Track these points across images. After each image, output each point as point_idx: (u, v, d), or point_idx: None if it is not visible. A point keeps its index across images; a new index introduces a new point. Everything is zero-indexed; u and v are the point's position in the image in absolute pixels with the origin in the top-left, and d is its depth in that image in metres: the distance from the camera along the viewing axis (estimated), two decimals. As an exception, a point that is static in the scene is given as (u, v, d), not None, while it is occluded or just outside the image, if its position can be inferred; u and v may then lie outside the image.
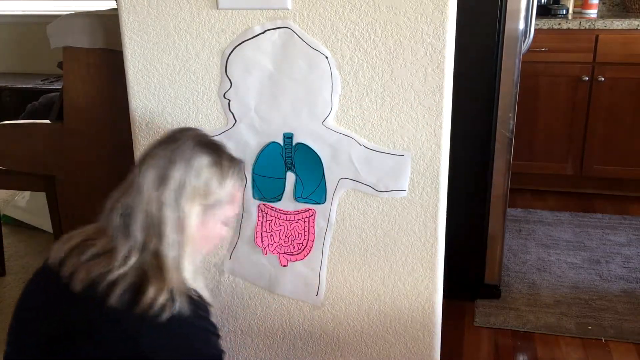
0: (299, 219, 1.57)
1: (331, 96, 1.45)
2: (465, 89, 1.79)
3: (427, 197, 1.49)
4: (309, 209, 1.56)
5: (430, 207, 1.49)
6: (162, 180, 1.17)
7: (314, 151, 1.50)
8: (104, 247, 1.18)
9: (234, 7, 1.45)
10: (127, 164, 1.34)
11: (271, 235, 1.61)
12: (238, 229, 1.63)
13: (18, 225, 3.03)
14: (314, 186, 1.54)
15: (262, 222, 1.60)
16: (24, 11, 3.90)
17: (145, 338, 1.12)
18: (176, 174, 1.17)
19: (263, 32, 1.44)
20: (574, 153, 3.18)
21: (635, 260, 2.62)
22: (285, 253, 1.61)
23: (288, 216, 1.58)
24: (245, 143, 1.54)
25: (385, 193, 1.50)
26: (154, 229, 1.16)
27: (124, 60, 1.57)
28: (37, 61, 3.71)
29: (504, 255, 2.38)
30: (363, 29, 1.39)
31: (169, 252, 1.16)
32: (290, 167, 1.53)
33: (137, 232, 1.16)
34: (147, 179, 1.17)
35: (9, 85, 3.50)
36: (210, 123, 1.56)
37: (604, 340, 2.12)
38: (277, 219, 1.59)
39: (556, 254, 2.68)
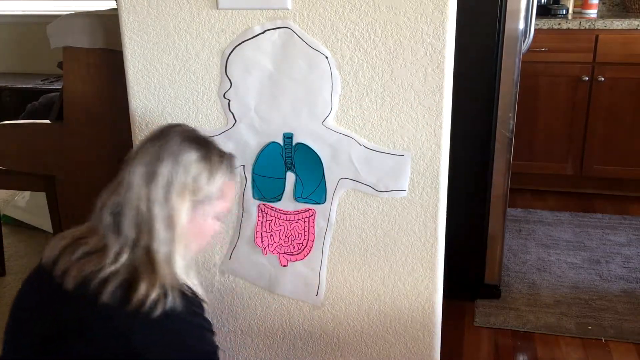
0: (299, 219, 1.57)
1: (331, 96, 1.45)
2: (465, 89, 1.79)
3: (427, 197, 1.49)
4: (309, 209, 1.56)
5: (430, 207, 1.49)
6: (151, 177, 1.17)
7: (314, 151, 1.50)
8: (95, 245, 1.18)
9: (234, 7, 1.45)
10: (127, 164, 1.34)
11: (271, 235, 1.61)
12: (238, 229, 1.63)
13: (18, 225, 3.03)
14: (314, 186, 1.54)
15: (262, 222, 1.60)
16: (24, 11, 3.90)
17: (138, 334, 1.12)
18: (164, 171, 1.17)
19: (263, 32, 1.44)
20: (574, 153, 3.18)
21: (635, 260, 2.62)
22: (285, 253, 1.61)
23: (288, 216, 1.58)
24: (245, 143, 1.54)
25: (385, 193, 1.50)
26: (144, 226, 1.16)
27: (124, 60, 1.57)
28: (37, 61, 3.71)
29: (504, 255, 2.38)
30: (363, 29, 1.39)
31: (160, 249, 1.16)
32: (290, 167, 1.53)
33: (128, 230, 1.16)
34: (136, 176, 1.18)
35: (9, 85, 3.51)
36: (210, 123, 1.56)
37: (604, 340, 2.12)
38: (277, 219, 1.59)
39: (556, 254, 2.68)
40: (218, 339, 1.72)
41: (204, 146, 1.24)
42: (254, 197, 1.59)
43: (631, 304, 2.30)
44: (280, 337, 1.71)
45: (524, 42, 2.12)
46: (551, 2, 3.27)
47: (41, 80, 3.52)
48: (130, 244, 1.16)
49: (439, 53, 1.37)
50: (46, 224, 2.76)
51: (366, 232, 1.55)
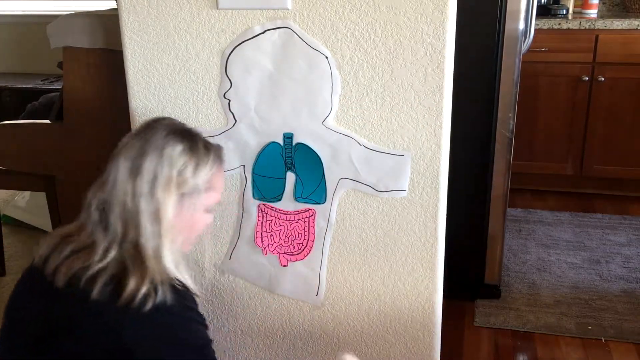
0: (299, 219, 1.57)
1: (331, 96, 1.45)
2: (465, 89, 1.79)
3: (427, 197, 1.49)
4: (309, 209, 1.56)
5: (430, 207, 1.49)
6: (136, 171, 1.17)
7: (314, 151, 1.50)
8: (84, 242, 1.18)
9: (234, 7, 1.45)
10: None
11: (271, 235, 1.61)
12: (238, 229, 1.63)
13: (18, 225, 3.03)
14: (314, 186, 1.54)
15: (262, 222, 1.60)
16: (24, 11, 3.91)
17: (128, 330, 1.12)
18: (149, 165, 1.17)
19: (263, 32, 1.44)
20: (574, 153, 3.18)
21: (635, 260, 2.62)
22: (285, 253, 1.61)
23: (288, 216, 1.58)
24: (245, 143, 1.54)
25: (385, 193, 1.50)
26: (131, 221, 1.16)
27: (124, 60, 1.57)
28: (37, 61, 3.71)
29: (504, 255, 2.38)
30: (363, 29, 1.39)
31: (148, 243, 1.16)
32: (290, 167, 1.53)
33: (115, 225, 1.16)
34: (121, 171, 1.18)
35: (9, 85, 3.51)
36: (210, 123, 1.56)
37: (604, 340, 2.12)
38: (277, 219, 1.59)
39: (556, 254, 2.68)
40: (218, 339, 1.73)
41: (189, 138, 1.23)
42: (254, 197, 1.59)
43: (631, 304, 2.30)
44: (280, 337, 1.71)
45: (524, 42, 2.12)
46: (551, 2, 3.27)
47: (41, 80, 3.52)
48: (118, 239, 1.16)
49: (439, 53, 1.37)
50: (46, 224, 2.76)
51: (366, 232, 1.55)
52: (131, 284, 1.12)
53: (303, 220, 1.57)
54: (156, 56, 1.54)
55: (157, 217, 1.17)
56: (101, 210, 1.18)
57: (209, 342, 1.22)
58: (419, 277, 1.56)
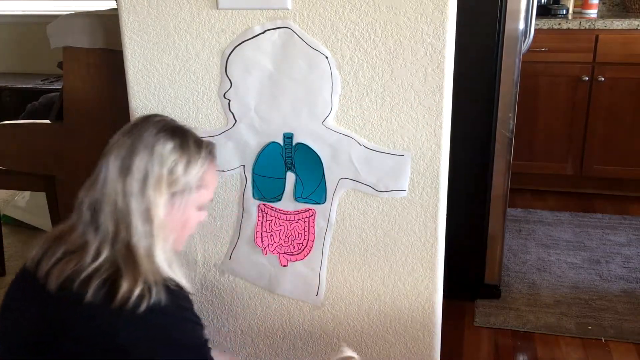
0: (299, 219, 1.57)
1: (331, 96, 1.45)
2: (465, 89, 1.79)
3: (427, 197, 1.49)
4: (309, 209, 1.56)
5: (430, 207, 1.49)
6: (126, 170, 1.15)
7: (314, 151, 1.50)
8: (76, 243, 1.17)
9: (234, 7, 1.45)
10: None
11: (271, 235, 1.61)
12: (238, 229, 1.63)
13: (18, 225, 3.03)
14: (314, 186, 1.54)
15: (262, 222, 1.60)
16: (24, 11, 3.91)
17: (123, 332, 1.10)
18: (139, 163, 1.16)
19: (263, 32, 1.44)
20: (574, 153, 3.18)
21: (635, 260, 2.62)
22: (285, 253, 1.61)
23: (288, 216, 1.58)
24: (245, 143, 1.54)
25: (385, 193, 1.50)
26: (122, 220, 1.14)
27: (124, 60, 1.57)
28: (37, 61, 3.71)
29: (504, 255, 2.38)
30: (363, 29, 1.39)
31: (139, 243, 1.14)
32: (290, 167, 1.53)
33: (106, 225, 1.15)
34: (112, 170, 1.16)
35: (9, 85, 3.51)
36: (210, 123, 1.56)
37: (604, 340, 2.12)
38: (277, 219, 1.59)
39: (556, 254, 2.68)
40: (218, 339, 1.73)
41: (180, 135, 1.22)
42: (254, 197, 1.59)
43: (631, 304, 2.30)
44: (280, 337, 1.71)
45: (524, 42, 2.12)
46: (551, 2, 3.27)
47: (41, 80, 3.52)
48: (109, 239, 1.14)
49: (439, 53, 1.37)
50: (46, 224, 2.76)
51: (366, 232, 1.55)
52: (124, 285, 1.10)
53: (303, 220, 1.57)
54: (156, 56, 1.54)
55: (148, 216, 1.15)
56: (92, 210, 1.16)
57: (205, 341, 1.21)
58: (419, 277, 1.56)
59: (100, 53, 2.09)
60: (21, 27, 3.82)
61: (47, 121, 2.27)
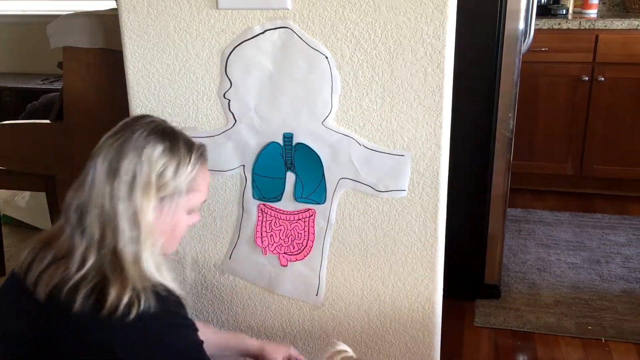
0: (299, 219, 1.57)
1: (331, 96, 1.45)
2: (465, 89, 1.79)
3: (427, 197, 1.49)
4: (309, 209, 1.56)
5: (430, 207, 1.49)
6: (114, 173, 1.12)
7: (314, 151, 1.50)
8: (62, 248, 1.14)
9: (234, 7, 1.45)
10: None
11: (271, 235, 1.61)
12: (238, 229, 1.63)
13: (18, 225, 3.03)
14: (314, 186, 1.54)
15: (262, 222, 1.60)
16: (24, 11, 3.91)
17: (116, 341, 1.08)
18: (128, 166, 1.12)
19: (263, 32, 1.44)
20: (574, 153, 3.18)
21: (635, 260, 2.62)
22: (285, 253, 1.61)
23: (288, 216, 1.58)
24: (245, 143, 1.54)
25: (385, 193, 1.50)
26: (108, 224, 1.11)
27: (124, 60, 1.57)
28: (37, 61, 3.71)
29: (504, 255, 2.38)
30: (363, 29, 1.39)
31: (126, 248, 1.11)
32: (290, 167, 1.53)
33: (92, 229, 1.11)
34: (99, 172, 1.13)
35: (9, 85, 3.51)
36: (210, 123, 1.56)
37: (604, 340, 2.12)
38: (277, 219, 1.59)
39: (556, 254, 2.68)
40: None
41: (170, 138, 1.18)
42: (254, 197, 1.59)
43: (631, 304, 2.30)
44: (280, 337, 1.71)
45: (524, 42, 2.12)
46: (551, 2, 3.27)
47: (41, 80, 3.52)
48: (95, 244, 1.11)
49: (439, 53, 1.37)
50: (46, 224, 2.76)
51: (366, 232, 1.55)
52: (112, 293, 1.07)
53: (303, 220, 1.57)
54: (156, 56, 1.54)
55: (135, 220, 1.12)
56: (79, 212, 1.13)
57: (199, 344, 1.19)
58: (419, 277, 1.56)
59: (100, 53, 2.09)
60: (21, 27, 3.82)
61: (47, 121, 2.27)
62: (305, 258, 1.60)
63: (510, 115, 2.13)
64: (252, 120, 1.51)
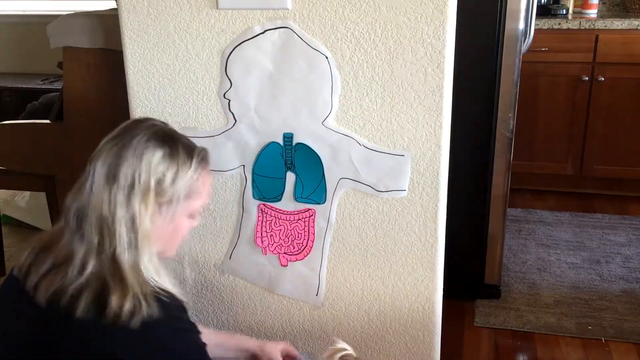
0: (299, 219, 1.57)
1: (331, 96, 1.45)
2: (465, 89, 1.79)
3: (427, 197, 1.49)
4: (309, 209, 1.56)
5: (430, 207, 1.49)
6: (113, 178, 1.11)
7: (314, 151, 1.50)
8: (62, 253, 1.13)
9: (234, 7, 1.45)
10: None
11: (271, 235, 1.61)
12: (238, 229, 1.63)
13: (18, 225, 3.03)
14: (314, 186, 1.54)
15: (262, 222, 1.60)
16: (24, 11, 3.91)
17: (119, 346, 1.08)
18: (127, 171, 1.11)
19: (263, 32, 1.44)
20: (574, 153, 3.18)
21: (635, 260, 2.62)
22: (285, 253, 1.61)
23: (288, 216, 1.58)
24: (245, 143, 1.54)
25: (385, 193, 1.50)
26: (107, 230, 1.10)
27: (124, 60, 1.57)
28: (37, 61, 3.71)
29: (504, 255, 2.38)
30: (363, 29, 1.39)
31: (125, 254, 1.10)
32: (290, 167, 1.53)
33: (91, 234, 1.10)
34: (98, 176, 1.11)
35: (9, 85, 3.51)
36: (210, 123, 1.56)
37: (604, 340, 2.12)
38: (277, 219, 1.59)
39: (556, 254, 2.68)
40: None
41: (170, 144, 1.16)
42: (254, 197, 1.59)
43: (631, 304, 2.30)
44: (280, 337, 1.71)
45: (524, 42, 2.12)
46: (551, 2, 3.27)
47: (41, 80, 3.52)
48: (94, 249, 1.10)
49: (439, 53, 1.37)
50: (46, 224, 2.76)
51: (366, 232, 1.55)
52: (113, 301, 1.06)
53: (303, 220, 1.57)
54: (156, 56, 1.54)
55: (134, 226, 1.10)
56: (78, 217, 1.12)
57: (202, 347, 1.19)
58: (419, 277, 1.56)
59: (100, 53, 2.09)
60: (21, 27, 3.82)
61: (47, 121, 2.27)
62: (305, 258, 1.60)
63: (510, 115, 2.13)
64: (252, 120, 1.51)
